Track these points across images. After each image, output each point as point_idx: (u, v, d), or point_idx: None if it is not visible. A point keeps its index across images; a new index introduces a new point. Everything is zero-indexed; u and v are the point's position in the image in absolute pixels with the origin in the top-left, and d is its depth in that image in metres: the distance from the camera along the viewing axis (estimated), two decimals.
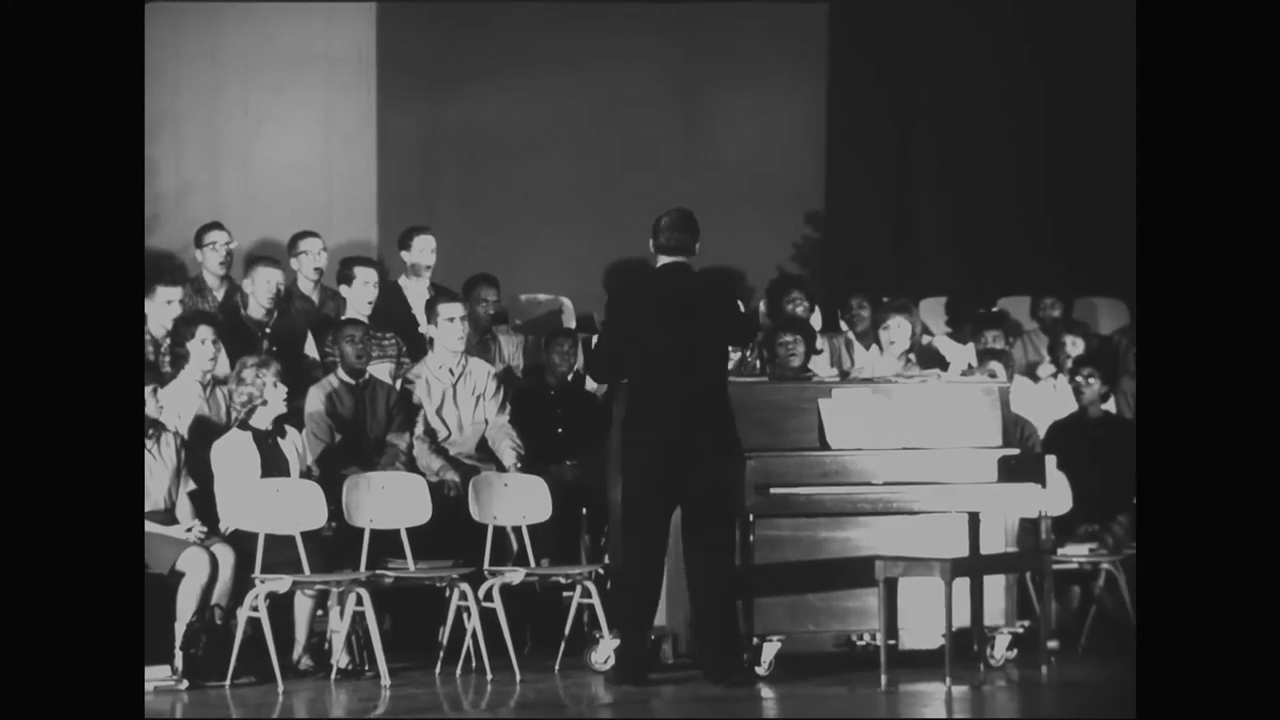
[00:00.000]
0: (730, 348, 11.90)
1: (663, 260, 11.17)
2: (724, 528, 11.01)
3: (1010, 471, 11.81)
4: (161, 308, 12.81)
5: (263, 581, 11.17)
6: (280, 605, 11.27)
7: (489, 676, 11.32)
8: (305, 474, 11.81)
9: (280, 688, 10.97)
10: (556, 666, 11.60)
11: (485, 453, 12.64)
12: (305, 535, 11.32)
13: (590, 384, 13.30)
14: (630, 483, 11.01)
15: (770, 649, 11.25)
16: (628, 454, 11.05)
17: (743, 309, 12.55)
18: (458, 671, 11.51)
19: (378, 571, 11.43)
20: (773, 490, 11.28)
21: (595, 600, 11.66)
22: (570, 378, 13.15)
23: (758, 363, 12.88)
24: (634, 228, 11.97)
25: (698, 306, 11.11)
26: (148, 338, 12.69)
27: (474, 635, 11.49)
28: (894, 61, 18.14)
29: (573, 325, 13.98)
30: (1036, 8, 17.15)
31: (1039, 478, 11.93)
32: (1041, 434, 12.87)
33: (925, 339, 14.01)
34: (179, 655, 11.07)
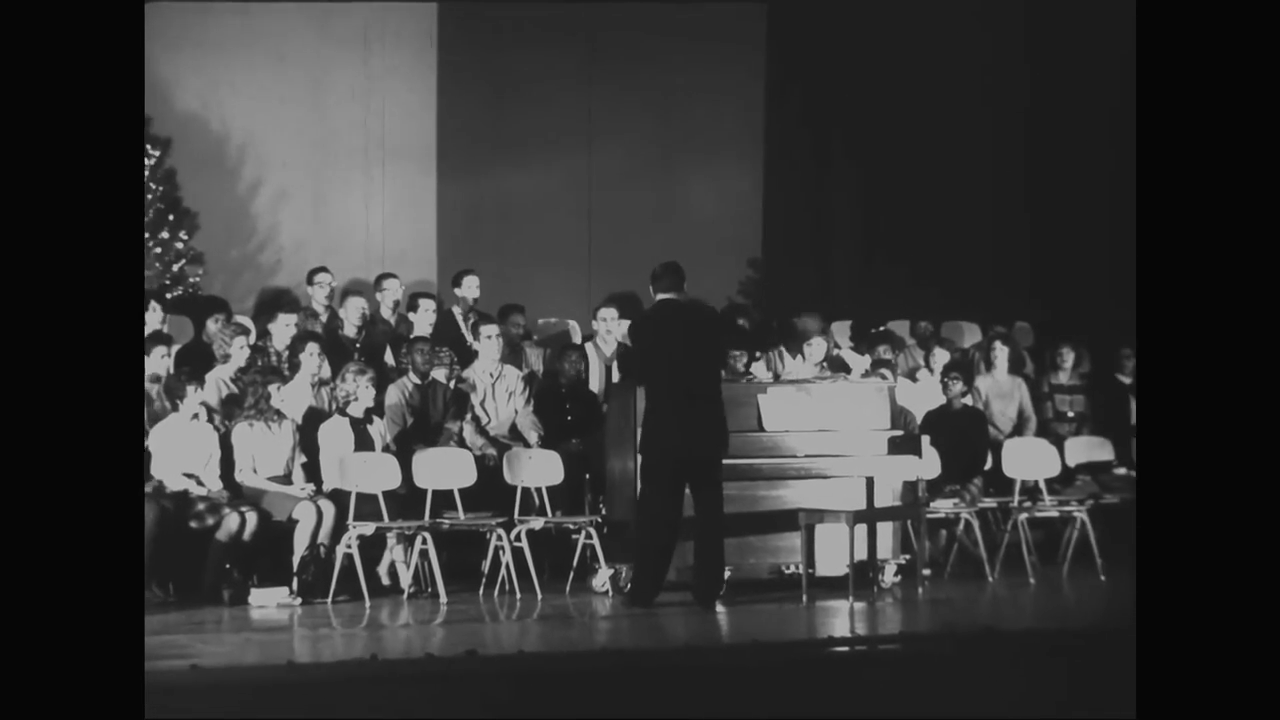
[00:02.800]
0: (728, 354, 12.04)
1: (661, 297, 11.18)
2: (716, 490, 10.97)
3: (895, 447, 11.86)
4: (281, 329, 12.83)
5: (354, 527, 11.20)
6: (367, 544, 11.26)
7: (518, 596, 11.36)
8: (385, 449, 11.82)
9: (367, 604, 11.04)
10: (567, 589, 11.64)
11: (515, 434, 12.61)
12: (385, 493, 11.35)
13: (593, 383, 13.22)
14: (649, 457, 10.97)
15: (724, 576, 11.22)
16: (647, 435, 10.99)
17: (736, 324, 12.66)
18: (495, 593, 11.48)
19: (437, 520, 11.42)
20: (726, 461, 11.23)
21: (595, 541, 11.67)
22: (576, 379, 13.00)
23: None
24: (622, 268, 11.97)
25: (692, 328, 11.13)
26: (270, 350, 12.65)
27: (507, 567, 11.50)
28: (817, 142, 18.01)
29: (578, 341, 13.86)
30: (947, 63, 16.94)
31: (916, 451, 11.96)
32: (918, 420, 12.81)
33: (835, 351, 13.94)
34: (295, 580, 11.10)
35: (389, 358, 12.91)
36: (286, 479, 11.61)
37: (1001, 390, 13.71)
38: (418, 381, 12.34)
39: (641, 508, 10.97)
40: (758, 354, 13.51)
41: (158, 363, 12.13)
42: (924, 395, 13.32)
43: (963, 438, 12.80)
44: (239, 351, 12.37)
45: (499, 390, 12.76)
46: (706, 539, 10.94)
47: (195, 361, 12.37)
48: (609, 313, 13.73)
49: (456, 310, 13.95)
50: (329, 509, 11.33)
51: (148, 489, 11.19)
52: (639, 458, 11.09)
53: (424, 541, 11.33)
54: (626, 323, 13.35)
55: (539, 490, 11.93)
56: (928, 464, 12.16)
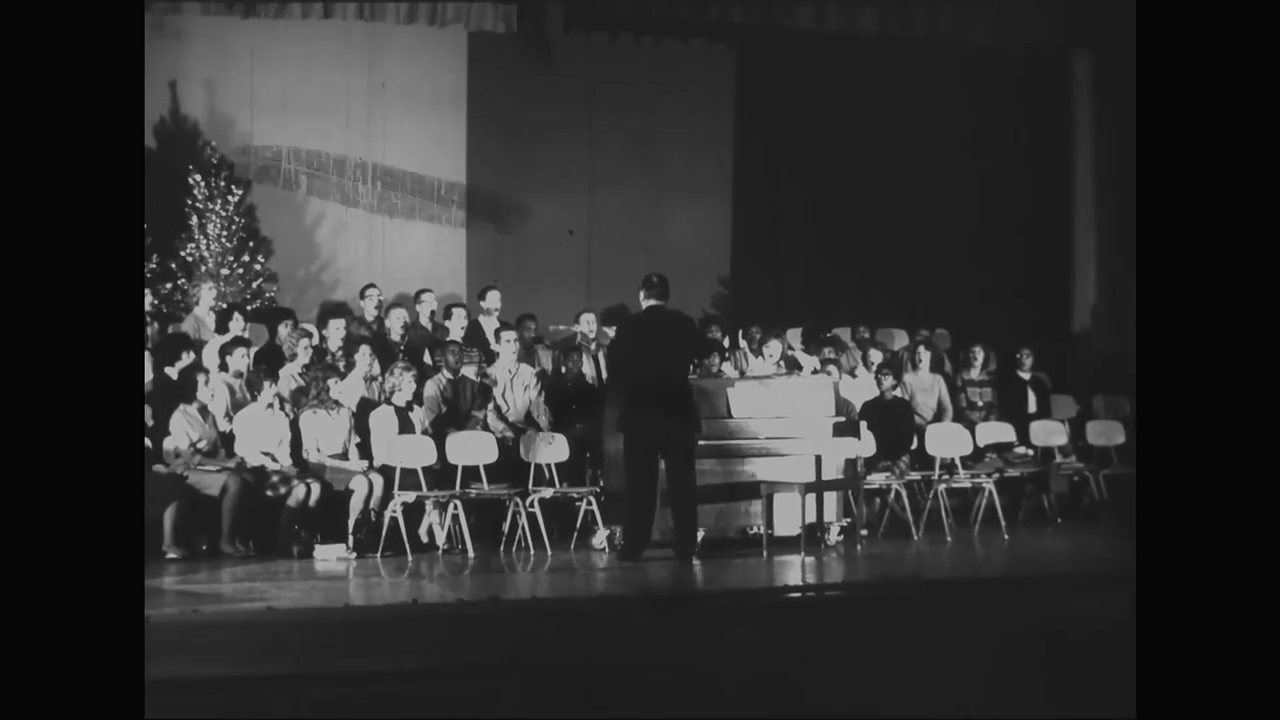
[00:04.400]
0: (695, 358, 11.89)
1: (649, 304, 11.19)
2: (689, 465, 11.00)
3: (839, 430, 11.87)
4: (336, 333, 12.83)
5: (399, 495, 11.22)
6: (410, 510, 11.28)
7: (531, 553, 11.33)
8: (424, 432, 11.79)
9: (409, 558, 11.02)
10: (571, 546, 11.58)
11: (529, 420, 12.57)
12: (424, 469, 11.38)
13: (588, 378, 13.15)
14: (630, 439, 10.99)
15: (699, 535, 11.22)
16: (628, 420, 11.00)
17: (705, 335, 12.66)
18: (513, 549, 11.45)
19: (466, 490, 11.42)
20: (701, 442, 11.26)
21: (594, 508, 11.65)
22: (579, 375, 13.01)
23: (693, 367, 12.82)
24: (615, 285, 11.96)
25: (671, 332, 11.18)
26: (328, 351, 12.67)
27: (522, 528, 11.51)
28: (774, 180, 18.02)
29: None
30: (887, 113, 16.87)
31: (855, 434, 12.06)
32: (857, 409, 12.82)
33: (789, 352, 13.93)
34: (350, 538, 11.12)
35: (427, 358, 12.88)
36: (344, 456, 11.61)
37: (924, 385, 13.72)
38: (450, 377, 12.32)
39: (628, 479, 11.00)
40: (727, 355, 13.54)
41: (239, 362, 12.14)
42: (861, 389, 13.31)
43: (893, 423, 12.81)
44: (304, 352, 12.41)
45: (516, 384, 12.73)
46: (681, 505, 10.97)
47: (270, 361, 12.38)
48: (588, 318, 13.96)
49: (482, 319, 13.96)
50: (378, 481, 11.33)
51: (231, 464, 11.23)
52: (622, 437, 11.09)
53: (455, 507, 11.33)
54: (605, 327, 13.49)
55: (549, 466, 11.90)
56: (865, 444, 12.22)
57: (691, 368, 11.58)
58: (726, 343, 14.04)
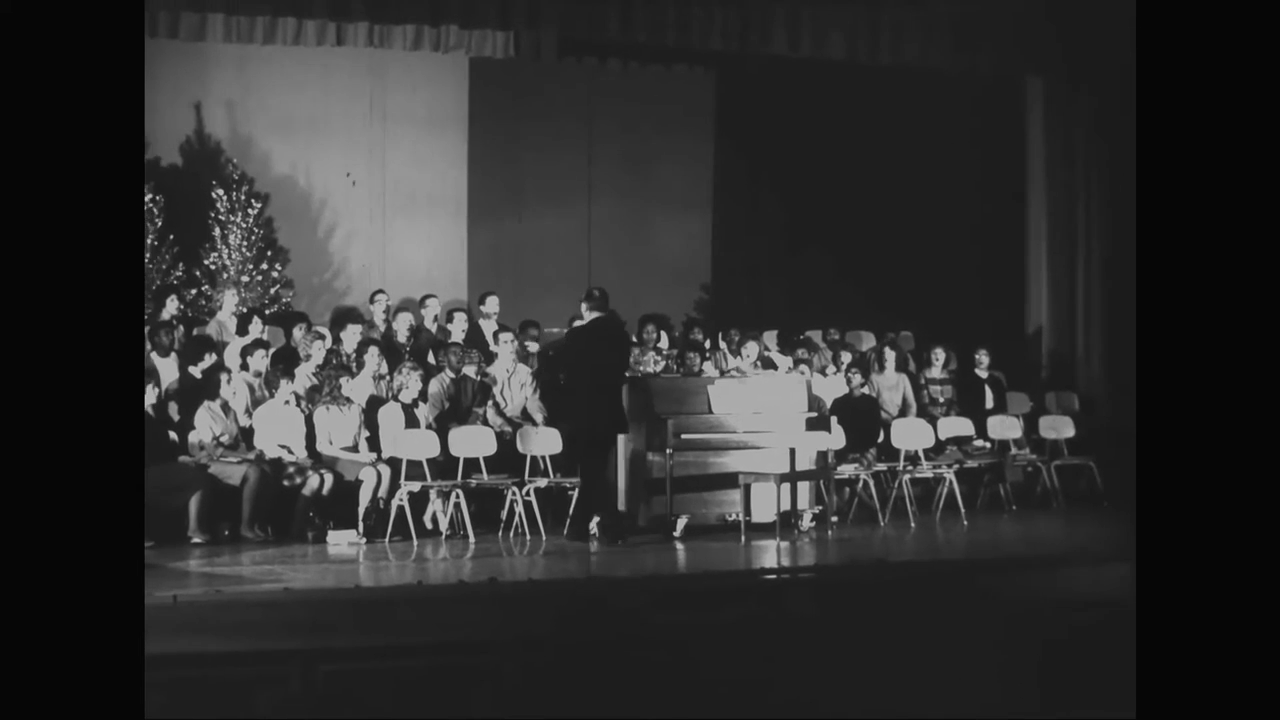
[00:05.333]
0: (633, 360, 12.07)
1: (592, 315, 11.27)
2: (613, 456, 11.37)
3: (811, 425, 11.85)
4: (351, 336, 12.81)
5: (405, 485, 11.22)
6: (415, 498, 11.29)
7: (527, 538, 11.32)
8: (428, 427, 11.78)
9: (415, 543, 11.01)
10: (564, 531, 11.46)
11: (525, 416, 12.55)
12: (428, 460, 11.39)
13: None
14: (579, 433, 11.29)
15: (682, 521, 11.28)
16: (577, 415, 11.33)
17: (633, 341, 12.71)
18: (510, 535, 11.45)
19: (467, 480, 11.42)
20: (683, 436, 11.29)
21: None
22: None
23: (677, 367, 12.83)
24: (613, 292, 11.90)
25: (611, 340, 11.36)
26: (341, 352, 12.67)
27: (519, 515, 11.49)
28: (752, 195, 18.02)
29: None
30: (854, 136, 16.88)
31: (826, 428, 12.02)
32: (828, 405, 12.83)
33: (765, 353, 13.97)
34: (361, 524, 11.11)
35: (431, 358, 12.88)
36: (354, 449, 11.60)
37: (890, 383, 13.74)
38: (453, 376, 12.31)
39: (582, 469, 11.28)
40: (708, 355, 13.54)
41: (259, 361, 12.14)
42: (832, 386, 13.32)
43: (861, 418, 12.82)
44: (318, 353, 12.43)
45: (514, 383, 12.70)
46: (608, 491, 11.26)
47: (286, 361, 12.37)
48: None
49: (482, 323, 13.95)
50: (386, 472, 11.32)
51: (251, 456, 11.24)
52: (566, 430, 11.48)
53: (457, 496, 11.31)
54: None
55: (543, 458, 11.89)
56: (835, 438, 12.22)
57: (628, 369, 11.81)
58: (708, 344, 14.05)
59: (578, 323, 11.64)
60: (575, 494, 11.41)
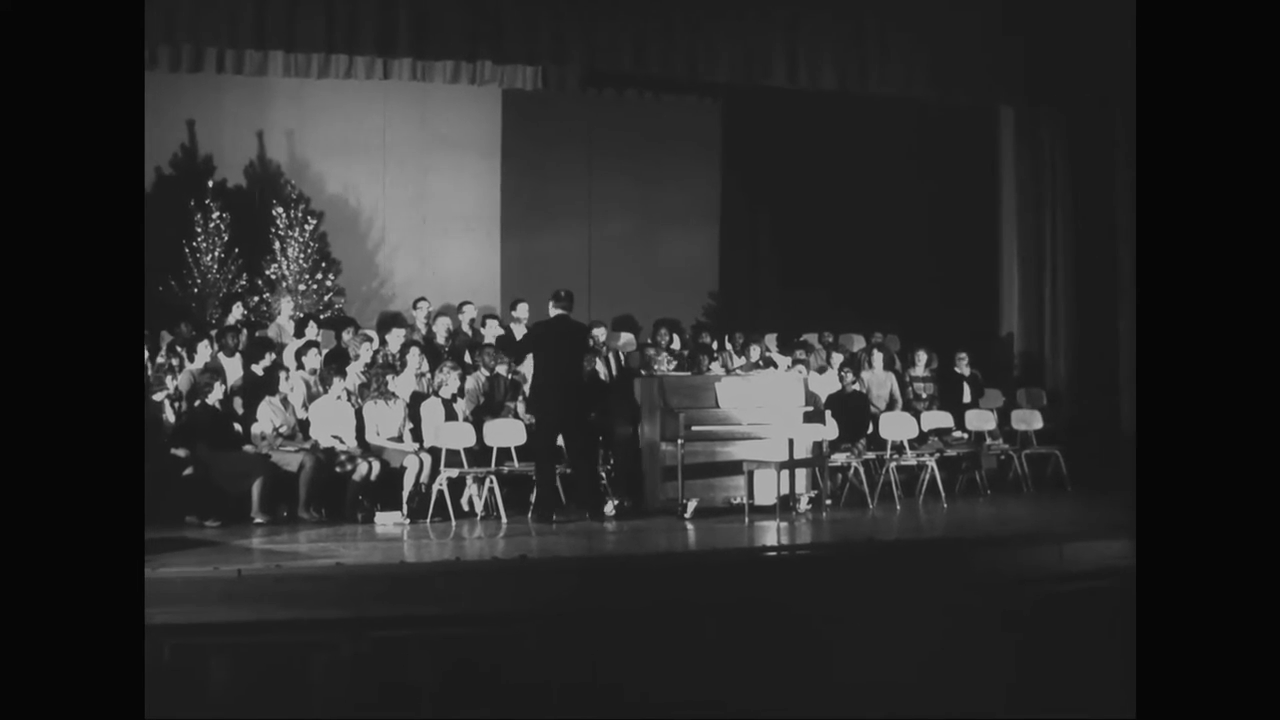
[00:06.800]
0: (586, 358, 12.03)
1: (556, 312, 11.29)
2: (588, 439, 11.40)
3: (807, 418, 11.77)
4: (396, 338, 12.81)
5: (444, 472, 11.14)
6: (453, 483, 11.21)
7: (555, 518, 11.20)
8: (465, 420, 11.74)
9: (453, 523, 10.93)
10: (586, 514, 11.43)
11: None
12: (465, 449, 11.30)
13: (601, 376, 12.90)
14: (539, 419, 11.25)
15: (692, 504, 11.19)
16: (536, 403, 11.34)
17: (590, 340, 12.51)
18: (537, 515, 11.37)
19: (499, 467, 11.36)
20: (693, 428, 11.23)
21: (606, 482, 11.60)
22: (593, 373, 12.80)
23: (688, 366, 12.80)
24: (623, 299, 11.92)
25: (570, 337, 11.34)
26: (386, 353, 12.65)
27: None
28: (754, 213, 17.97)
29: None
30: (846, 161, 16.86)
31: (821, 421, 11.96)
32: (823, 400, 12.78)
33: (766, 353, 13.92)
34: (405, 507, 11.07)
35: (467, 358, 12.87)
36: (399, 439, 11.55)
37: (878, 380, 13.69)
38: (487, 374, 12.27)
39: (538, 453, 11.17)
40: (715, 355, 13.51)
41: (314, 361, 12.12)
42: (826, 383, 13.26)
43: (852, 412, 12.75)
44: (366, 353, 12.40)
45: None
46: (587, 471, 11.22)
47: (338, 360, 12.35)
48: (598, 331, 13.59)
49: (513, 326, 13.92)
50: (427, 460, 11.26)
51: (307, 446, 11.23)
52: (533, 419, 11.41)
53: (491, 482, 11.25)
54: (616, 332, 13.46)
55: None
56: (829, 429, 12.15)
57: (585, 364, 11.81)
58: (715, 346, 14.02)
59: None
60: (537, 478, 11.26)
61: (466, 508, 11.48)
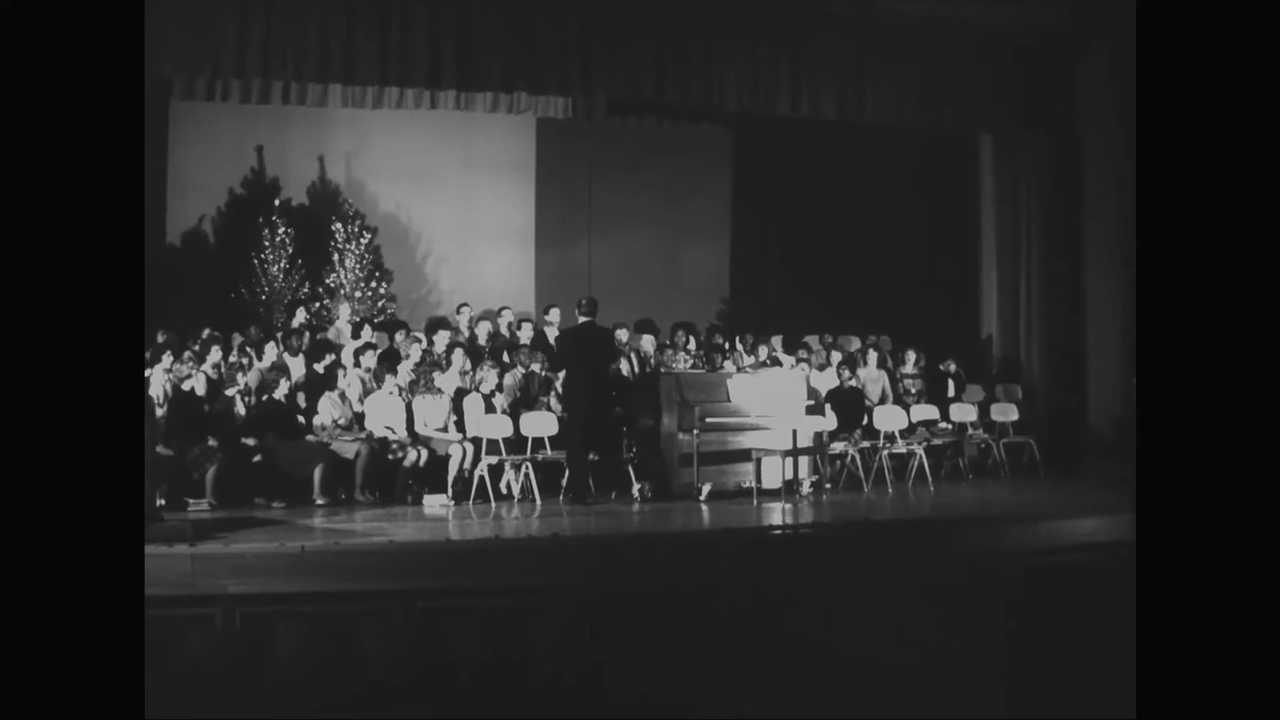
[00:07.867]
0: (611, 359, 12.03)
1: (583, 319, 11.30)
2: (614, 430, 11.48)
3: (809, 411, 11.77)
4: (442, 340, 12.79)
5: (485, 459, 11.16)
6: (493, 469, 11.25)
7: (589, 500, 11.19)
8: (504, 412, 11.75)
9: (493, 505, 10.95)
10: (613, 497, 11.43)
11: None
12: (504, 439, 11.32)
13: (624, 373, 12.84)
14: (571, 414, 11.26)
15: (706, 488, 11.17)
16: (569, 400, 11.33)
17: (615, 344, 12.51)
18: (571, 498, 11.36)
19: (534, 455, 11.36)
20: (708, 420, 11.22)
21: (631, 469, 11.58)
22: (617, 370, 12.80)
23: (703, 364, 12.79)
24: (642, 305, 11.89)
25: (598, 341, 11.39)
26: (433, 353, 12.64)
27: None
28: (763, 226, 17.95)
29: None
30: (846, 181, 16.81)
31: (821, 413, 11.94)
32: (823, 394, 12.76)
33: (773, 353, 13.90)
34: (450, 490, 11.07)
35: (505, 357, 12.88)
36: (444, 430, 11.58)
37: (872, 377, 13.68)
38: (523, 372, 12.29)
39: (571, 439, 11.18)
40: (727, 354, 13.49)
41: (369, 360, 12.15)
42: (826, 380, 13.25)
43: (849, 405, 12.75)
44: (415, 353, 12.41)
45: None
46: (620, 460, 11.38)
47: (390, 360, 12.38)
48: (621, 333, 13.42)
49: (546, 329, 13.91)
50: (470, 448, 11.28)
51: (362, 435, 11.24)
52: (565, 412, 11.44)
53: (527, 468, 11.26)
54: (638, 333, 13.44)
55: None
56: (828, 421, 12.15)
57: (611, 366, 11.84)
58: (727, 346, 14.00)
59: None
60: (570, 465, 11.27)
61: (505, 491, 11.49)
